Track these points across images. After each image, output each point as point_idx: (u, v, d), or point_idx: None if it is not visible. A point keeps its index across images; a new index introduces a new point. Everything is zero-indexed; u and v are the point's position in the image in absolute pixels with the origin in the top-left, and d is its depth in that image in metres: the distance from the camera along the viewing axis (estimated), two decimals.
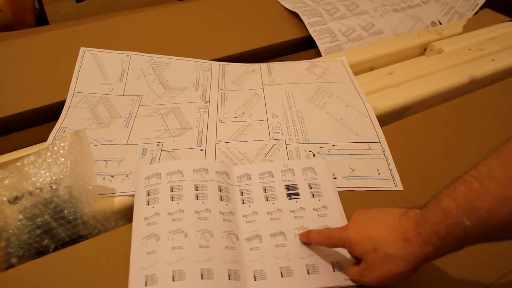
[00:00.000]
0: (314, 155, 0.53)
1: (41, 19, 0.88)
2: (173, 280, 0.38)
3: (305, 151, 0.54)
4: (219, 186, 0.47)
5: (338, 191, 0.48)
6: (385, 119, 0.60)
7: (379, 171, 0.51)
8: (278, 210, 0.46)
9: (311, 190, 0.48)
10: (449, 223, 0.31)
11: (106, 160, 0.52)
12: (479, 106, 0.61)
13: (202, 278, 0.38)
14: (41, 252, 0.42)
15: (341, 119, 0.58)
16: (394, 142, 0.55)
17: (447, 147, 0.55)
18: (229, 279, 0.39)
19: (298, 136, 0.56)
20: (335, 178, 0.50)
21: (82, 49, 0.66)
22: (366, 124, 0.57)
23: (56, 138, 0.55)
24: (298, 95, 0.63)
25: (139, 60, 0.67)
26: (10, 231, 0.41)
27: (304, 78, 0.67)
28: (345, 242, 0.37)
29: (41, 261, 0.41)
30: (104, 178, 0.49)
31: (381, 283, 0.35)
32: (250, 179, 0.49)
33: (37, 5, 0.87)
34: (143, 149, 0.54)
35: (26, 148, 0.56)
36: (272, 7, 0.82)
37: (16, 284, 0.39)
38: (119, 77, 0.65)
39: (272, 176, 0.49)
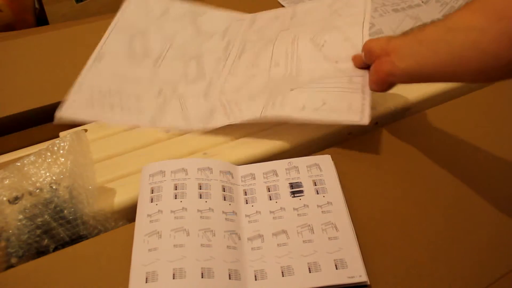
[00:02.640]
0: (292, 90, 0.53)
1: (41, 19, 0.87)
2: (173, 278, 0.38)
3: (286, 88, 0.53)
4: (222, 186, 0.47)
5: (303, 120, 0.49)
6: (385, 119, 0.60)
7: (350, 106, 0.49)
8: (281, 208, 0.46)
9: (315, 187, 0.48)
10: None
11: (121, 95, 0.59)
12: (479, 106, 0.61)
13: (202, 277, 0.38)
14: (41, 252, 0.42)
15: (336, 62, 0.55)
16: (394, 142, 0.55)
17: (447, 147, 0.55)
18: (230, 278, 0.39)
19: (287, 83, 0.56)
20: (304, 109, 0.50)
21: None
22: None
23: (97, 60, 0.62)
24: (303, 36, 0.61)
25: (181, 7, 0.73)
26: (10, 231, 0.41)
27: (318, 18, 0.64)
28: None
29: (41, 261, 0.41)
30: (122, 109, 0.57)
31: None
32: (254, 178, 0.49)
33: (37, 5, 0.87)
34: (160, 89, 0.60)
35: (26, 148, 0.56)
36: (272, 7, 0.81)
37: (16, 284, 0.39)
38: (159, 16, 0.71)
39: (276, 175, 0.49)
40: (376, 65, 0.48)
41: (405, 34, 0.45)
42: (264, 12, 0.72)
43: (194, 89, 0.61)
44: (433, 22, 0.43)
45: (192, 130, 0.55)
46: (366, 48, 0.50)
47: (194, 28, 0.70)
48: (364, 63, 0.51)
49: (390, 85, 0.48)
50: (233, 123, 0.53)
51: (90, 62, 0.63)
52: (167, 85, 0.61)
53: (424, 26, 0.43)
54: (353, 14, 0.62)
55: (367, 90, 0.50)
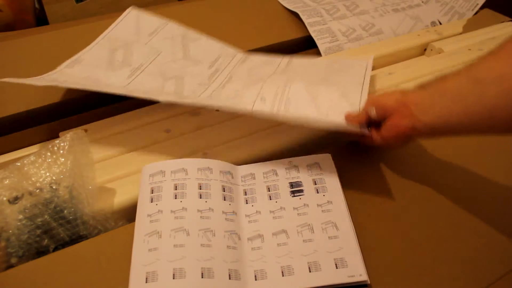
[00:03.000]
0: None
1: (41, 19, 0.87)
2: (173, 278, 0.38)
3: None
4: (222, 186, 0.47)
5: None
6: None
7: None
8: (281, 208, 0.46)
9: (315, 185, 0.48)
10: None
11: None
12: None
13: (202, 277, 0.38)
14: (41, 252, 0.42)
15: (327, 114, 0.53)
16: None
17: (448, 147, 0.55)
18: (230, 278, 0.39)
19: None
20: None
21: (129, 9, 0.70)
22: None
23: (68, 67, 0.59)
24: (296, 84, 0.59)
25: (174, 28, 0.70)
26: (10, 231, 0.41)
27: (315, 74, 0.63)
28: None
29: (41, 261, 0.41)
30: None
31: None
32: (254, 178, 0.49)
33: (37, 5, 0.87)
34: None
35: (26, 148, 0.56)
36: (272, 7, 0.82)
37: (16, 284, 0.39)
38: (150, 33, 0.69)
39: (276, 174, 0.49)
40: (394, 119, 0.43)
41: (421, 86, 0.42)
42: (257, 53, 0.70)
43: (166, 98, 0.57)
44: (454, 73, 0.40)
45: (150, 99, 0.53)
46: (379, 103, 0.45)
47: (182, 51, 0.68)
48: (369, 119, 0.46)
49: (410, 140, 0.44)
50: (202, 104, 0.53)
51: (59, 67, 0.59)
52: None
53: (444, 77, 0.40)
54: (352, 74, 0.61)
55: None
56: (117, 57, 0.63)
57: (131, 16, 0.69)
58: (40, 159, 0.45)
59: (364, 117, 0.46)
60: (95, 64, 0.61)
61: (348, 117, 0.48)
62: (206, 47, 0.69)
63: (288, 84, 0.59)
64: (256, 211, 0.46)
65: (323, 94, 0.56)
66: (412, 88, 0.43)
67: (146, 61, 0.64)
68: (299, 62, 0.68)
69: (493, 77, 0.36)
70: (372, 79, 0.68)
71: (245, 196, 0.47)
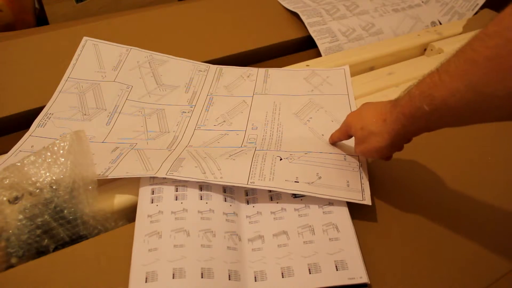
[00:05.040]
0: (281, 159, 0.49)
1: (41, 19, 0.87)
2: (173, 278, 0.38)
3: (273, 156, 0.50)
4: (223, 187, 0.47)
5: (297, 195, 0.46)
6: None
7: (348, 183, 0.47)
8: (282, 209, 0.46)
9: None
10: (412, 106, 0.37)
11: None
12: None
13: (202, 277, 0.38)
14: (41, 252, 0.42)
15: (322, 135, 0.55)
16: None
17: (448, 147, 0.55)
18: (229, 279, 0.39)
19: (270, 146, 0.53)
20: (297, 182, 0.46)
21: (84, 38, 0.66)
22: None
23: (41, 125, 0.56)
24: (285, 108, 0.61)
25: (137, 54, 0.67)
26: (10, 231, 0.41)
27: (298, 89, 0.64)
28: (346, 125, 0.47)
29: (41, 261, 0.41)
30: None
31: (366, 154, 0.48)
32: None
33: (37, 5, 0.87)
34: (115, 147, 0.53)
35: None
36: (272, 7, 0.82)
37: (16, 284, 0.39)
38: (114, 66, 0.65)
39: None
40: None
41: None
42: (230, 67, 0.69)
43: (156, 143, 0.55)
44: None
45: (156, 176, 0.47)
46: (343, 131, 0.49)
47: (153, 79, 0.65)
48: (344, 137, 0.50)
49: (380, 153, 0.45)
50: (212, 182, 0.46)
51: (32, 127, 0.56)
52: (123, 143, 0.54)
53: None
54: (335, 93, 0.62)
55: (364, 170, 0.49)
56: (89, 103, 0.60)
57: (89, 49, 0.66)
58: (40, 159, 0.45)
59: (336, 136, 0.51)
60: (67, 116, 0.57)
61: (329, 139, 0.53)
62: (176, 68, 0.67)
63: (276, 109, 0.60)
64: (257, 211, 0.46)
65: (313, 119, 0.57)
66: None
67: (120, 101, 0.61)
68: (277, 74, 0.68)
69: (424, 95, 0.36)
70: (372, 79, 0.68)
71: (246, 197, 0.47)
